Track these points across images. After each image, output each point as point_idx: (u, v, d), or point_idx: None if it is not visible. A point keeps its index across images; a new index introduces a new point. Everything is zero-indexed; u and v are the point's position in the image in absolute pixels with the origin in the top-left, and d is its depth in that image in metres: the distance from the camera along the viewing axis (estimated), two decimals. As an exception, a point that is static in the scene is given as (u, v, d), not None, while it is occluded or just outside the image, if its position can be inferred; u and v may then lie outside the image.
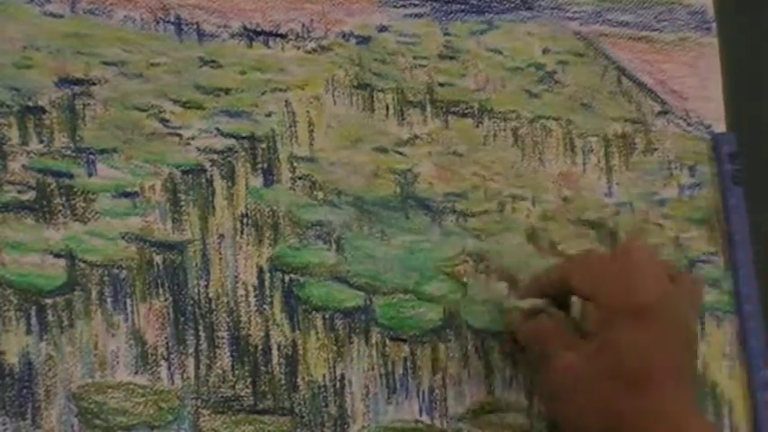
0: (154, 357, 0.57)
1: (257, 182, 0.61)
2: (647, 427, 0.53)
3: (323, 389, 0.59)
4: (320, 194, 0.62)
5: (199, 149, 0.60)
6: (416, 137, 0.65)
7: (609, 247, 0.67)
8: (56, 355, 0.55)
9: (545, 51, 0.69)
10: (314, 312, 0.60)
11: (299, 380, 0.59)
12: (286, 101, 0.62)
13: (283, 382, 0.59)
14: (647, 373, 0.53)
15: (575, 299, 0.58)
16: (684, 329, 0.56)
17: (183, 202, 0.59)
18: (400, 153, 0.64)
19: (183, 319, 0.58)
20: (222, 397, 0.58)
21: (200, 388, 0.57)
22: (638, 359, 0.54)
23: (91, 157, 0.58)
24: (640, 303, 0.54)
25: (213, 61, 0.61)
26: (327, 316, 0.60)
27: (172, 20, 0.61)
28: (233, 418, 0.58)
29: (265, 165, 0.61)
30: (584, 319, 0.57)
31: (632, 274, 0.55)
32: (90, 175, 0.58)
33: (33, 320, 0.55)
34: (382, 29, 0.65)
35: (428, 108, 0.65)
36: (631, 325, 0.54)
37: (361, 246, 0.62)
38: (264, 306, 0.59)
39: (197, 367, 0.58)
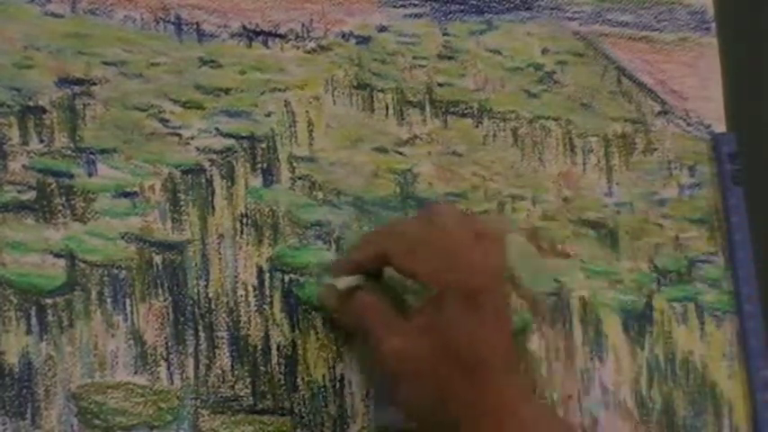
0: (153, 357, 0.57)
1: (257, 182, 0.61)
2: (483, 413, 0.51)
3: (323, 389, 0.59)
4: (320, 194, 0.62)
5: (198, 149, 0.60)
6: (416, 137, 0.65)
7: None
8: (56, 355, 0.55)
9: (544, 51, 0.69)
10: (314, 312, 0.60)
11: (298, 380, 0.59)
12: (285, 101, 0.62)
13: (283, 382, 0.59)
14: (480, 357, 0.51)
15: (388, 270, 0.56)
16: (510, 313, 0.54)
17: (182, 202, 0.59)
18: (400, 153, 0.64)
19: (182, 319, 0.58)
20: (222, 397, 0.58)
21: (199, 388, 0.57)
22: (470, 343, 0.51)
23: (91, 157, 0.58)
24: (471, 286, 0.52)
25: (213, 61, 0.61)
26: (327, 316, 0.60)
27: (172, 20, 0.61)
28: (232, 418, 0.58)
29: (265, 165, 0.61)
30: (405, 293, 0.56)
31: (452, 249, 0.53)
32: (90, 175, 0.58)
33: (33, 320, 0.55)
34: (382, 29, 0.65)
35: (428, 108, 0.65)
36: (461, 306, 0.51)
37: (361, 246, 0.62)
38: (264, 306, 0.59)
39: (196, 367, 0.57)
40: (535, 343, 0.65)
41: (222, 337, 0.58)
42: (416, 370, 0.52)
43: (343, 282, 0.57)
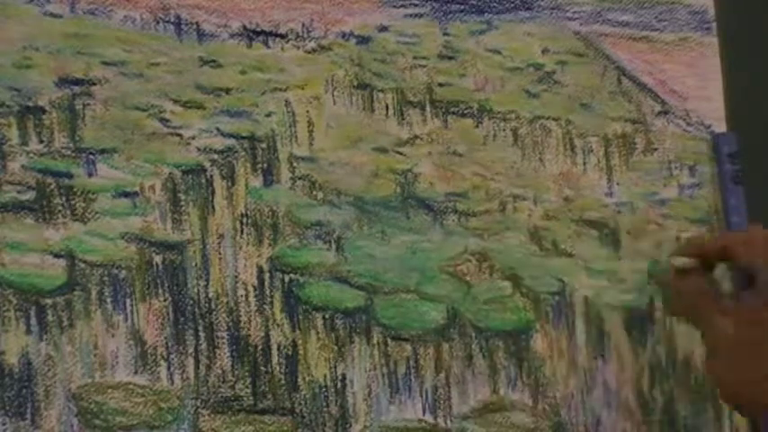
0: (153, 357, 0.57)
1: (257, 182, 0.61)
2: None
3: (324, 389, 0.59)
4: (320, 194, 0.62)
5: (199, 149, 0.60)
6: (416, 137, 0.65)
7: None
8: (56, 355, 0.55)
9: (544, 51, 0.69)
10: (314, 312, 0.60)
11: (299, 380, 0.59)
12: (286, 101, 0.62)
13: (283, 382, 0.59)
14: None
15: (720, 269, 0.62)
16: None
17: (183, 202, 0.59)
18: (400, 153, 0.64)
19: (182, 319, 0.58)
20: (222, 397, 0.57)
21: (199, 388, 0.57)
22: None
23: (91, 157, 0.58)
24: None
25: (213, 61, 0.61)
26: (328, 316, 0.60)
27: (172, 20, 0.61)
28: (233, 418, 0.57)
29: (265, 165, 0.61)
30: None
31: None
32: (90, 175, 0.58)
33: (33, 320, 0.55)
34: (382, 29, 0.65)
35: (428, 108, 0.65)
36: None
37: (362, 246, 0.62)
38: (264, 306, 0.59)
39: (197, 367, 0.57)
40: (538, 342, 0.64)
41: (222, 337, 0.58)
42: (736, 348, 0.57)
43: (680, 261, 0.62)
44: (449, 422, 0.61)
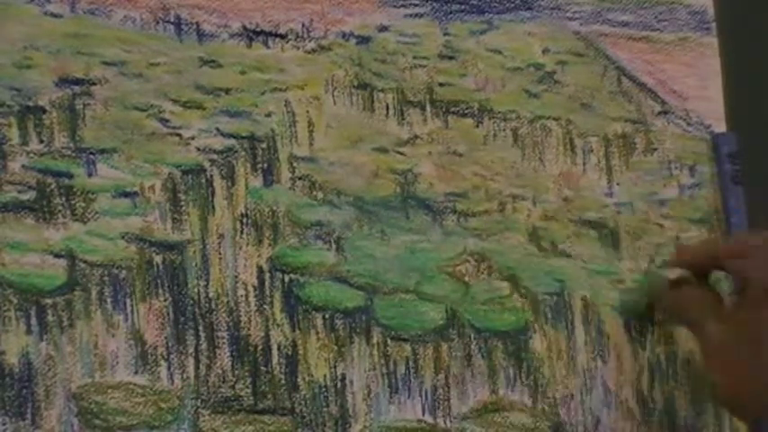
0: (153, 357, 0.57)
1: (257, 182, 0.61)
2: None
3: (324, 389, 0.59)
4: (320, 194, 0.62)
5: (199, 149, 0.60)
6: (416, 137, 0.65)
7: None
8: (56, 355, 0.55)
9: (545, 51, 0.69)
10: (314, 312, 0.60)
11: (299, 380, 0.59)
12: (286, 101, 0.62)
13: (283, 381, 0.59)
14: None
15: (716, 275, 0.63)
16: None
17: (182, 202, 0.59)
18: (400, 153, 0.64)
19: (182, 319, 0.58)
20: (222, 397, 0.58)
21: (199, 388, 0.57)
22: None
23: (91, 157, 0.58)
24: None
25: (213, 61, 0.61)
26: (327, 316, 0.60)
27: (172, 20, 0.61)
28: (233, 418, 0.57)
29: (265, 165, 0.61)
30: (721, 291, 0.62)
31: None
32: (90, 175, 0.58)
33: (33, 320, 0.55)
34: (382, 29, 0.65)
35: (428, 108, 0.65)
36: None
37: (362, 246, 0.62)
38: (264, 306, 0.59)
39: (197, 367, 0.57)
40: (537, 342, 0.65)
41: (222, 337, 0.58)
42: (727, 352, 0.59)
43: (674, 273, 0.63)
44: (448, 422, 0.61)
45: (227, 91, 0.61)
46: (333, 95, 0.63)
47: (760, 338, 0.58)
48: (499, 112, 0.67)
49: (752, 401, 0.58)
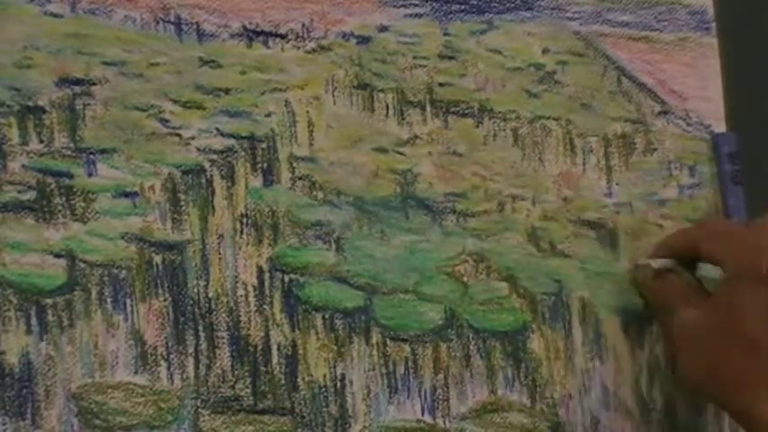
0: (153, 357, 0.57)
1: (257, 182, 0.61)
2: (756, 386, 0.55)
3: (323, 389, 0.59)
4: (320, 194, 0.62)
5: (199, 149, 0.60)
6: (416, 137, 0.65)
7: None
8: (56, 355, 0.55)
9: (545, 51, 0.69)
10: (314, 312, 0.60)
11: (299, 380, 0.59)
12: (286, 101, 0.62)
13: (283, 382, 0.59)
14: (758, 337, 0.55)
15: (705, 267, 0.62)
16: None
17: (182, 202, 0.59)
18: (400, 153, 0.64)
19: (182, 319, 0.58)
20: (222, 397, 0.58)
21: (199, 388, 0.57)
22: (752, 322, 0.55)
23: (91, 157, 0.58)
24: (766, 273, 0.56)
25: (213, 61, 0.61)
26: (327, 316, 0.60)
27: (172, 20, 0.61)
28: (233, 418, 0.58)
29: (265, 165, 0.61)
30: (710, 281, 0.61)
31: (763, 239, 0.57)
32: (90, 175, 0.58)
33: (33, 320, 0.55)
34: (382, 29, 0.65)
35: (428, 108, 0.65)
36: (753, 289, 0.56)
37: (361, 246, 0.62)
38: (264, 306, 0.59)
39: (197, 367, 0.57)
40: (535, 343, 0.65)
41: (222, 337, 0.58)
42: (698, 340, 0.58)
43: (657, 263, 0.63)
44: (447, 422, 0.62)
45: (227, 91, 0.61)
46: (333, 95, 0.63)
47: (733, 322, 0.56)
48: (499, 112, 0.67)
49: (723, 386, 0.57)
